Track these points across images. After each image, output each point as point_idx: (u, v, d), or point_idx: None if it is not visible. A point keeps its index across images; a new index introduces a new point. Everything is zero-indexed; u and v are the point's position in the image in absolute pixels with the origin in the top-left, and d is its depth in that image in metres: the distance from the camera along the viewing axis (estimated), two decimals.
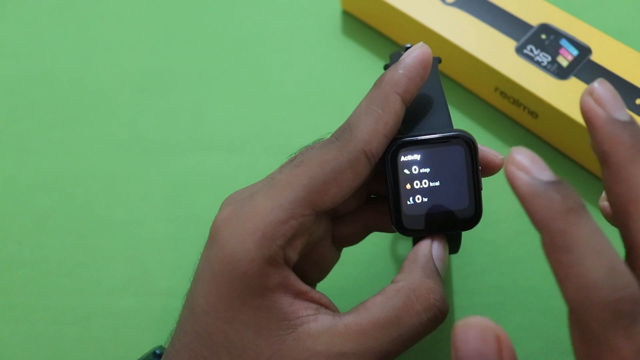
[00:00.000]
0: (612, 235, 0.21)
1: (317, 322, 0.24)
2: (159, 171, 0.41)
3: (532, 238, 0.37)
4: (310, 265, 0.28)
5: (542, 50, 0.39)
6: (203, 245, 0.26)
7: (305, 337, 0.23)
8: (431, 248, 0.26)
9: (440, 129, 0.26)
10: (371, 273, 0.36)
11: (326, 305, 0.25)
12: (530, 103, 0.38)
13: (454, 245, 0.28)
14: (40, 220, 0.39)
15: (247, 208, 0.24)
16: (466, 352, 0.19)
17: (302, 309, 0.24)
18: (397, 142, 0.26)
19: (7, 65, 0.46)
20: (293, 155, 0.26)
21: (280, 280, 0.24)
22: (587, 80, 0.37)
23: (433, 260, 0.26)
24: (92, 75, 0.45)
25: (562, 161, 0.39)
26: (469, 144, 0.26)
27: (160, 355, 0.30)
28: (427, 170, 0.26)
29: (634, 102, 0.36)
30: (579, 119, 0.36)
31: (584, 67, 0.38)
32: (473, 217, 0.26)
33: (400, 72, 0.26)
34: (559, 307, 0.35)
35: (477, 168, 0.26)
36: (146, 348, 0.32)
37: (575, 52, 0.39)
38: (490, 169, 0.27)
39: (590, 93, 0.22)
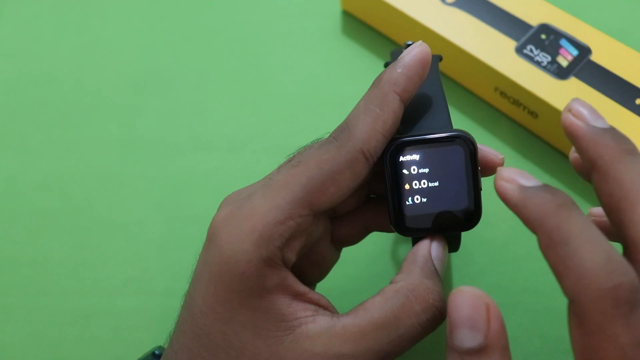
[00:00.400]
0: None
1: (315, 323, 0.24)
2: (159, 171, 0.41)
3: (532, 238, 0.36)
4: (310, 265, 0.28)
5: (542, 50, 0.39)
6: (202, 245, 0.26)
7: (303, 339, 0.23)
8: (430, 248, 0.26)
9: (440, 129, 0.26)
10: (371, 273, 0.36)
11: (325, 307, 0.25)
12: (530, 103, 0.38)
13: (453, 245, 0.28)
14: (40, 220, 0.39)
15: (245, 209, 0.24)
16: (458, 317, 0.21)
17: (300, 310, 0.24)
18: (396, 142, 0.26)
19: (7, 65, 0.46)
20: (291, 155, 0.26)
21: (279, 281, 0.24)
22: (587, 80, 0.38)
23: (432, 260, 0.26)
24: (92, 75, 0.45)
25: (562, 161, 0.39)
26: (469, 144, 0.26)
27: (159, 356, 0.30)
28: (427, 170, 0.26)
29: (634, 102, 0.36)
30: None
31: (584, 67, 0.38)
32: (473, 217, 0.26)
33: (399, 70, 0.25)
34: (559, 307, 0.35)
35: (476, 168, 0.26)
36: (146, 348, 0.32)
37: (575, 52, 0.39)
38: (490, 169, 0.27)
39: (568, 110, 0.24)
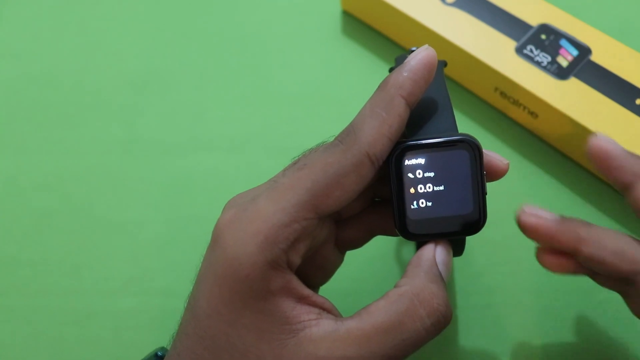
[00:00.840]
0: None
1: (319, 327, 0.24)
2: (159, 171, 0.41)
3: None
4: (314, 268, 0.28)
5: (542, 50, 0.39)
6: (203, 245, 0.26)
7: (307, 342, 0.23)
8: (435, 252, 0.26)
9: (445, 133, 0.26)
10: (373, 274, 0.36)
11: (329, 310, 0.25)
12: (530, 103, 0.38)
13: (457, 249, 0.28)
14: (40, 220, 0.39)
15: (250, 211, 0.24)
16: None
17: (304, 313, 0.24)
18: (402, 146, 0.26)
19: (7, 66, 0.46)
20: (296, 158, 0.26)
21: (283, 284, 0.24)
22: (587, 80, 0.38)
23: (437, 265, 0.26)
24: (92, 75, 0.45)
25: (562, 161, 0.39)
26: (474, 148, 0.25)
27: (161, 357, 0.30)
28: (432, 174, 0.26)
29: (634, 102, 0.36)
30: (579, 119, 0.36)
31: (584, 67, 0.38)
32: (477, 222, 0.26)
33: (405, 74, 0.25)
34: (559, 307, 0.35)
35: (482, 173, 0.26)
36: (146, 348, 0.32)
37: (575, 52, 0.39)
38: (495, 174, 0.27)
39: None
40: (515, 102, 0.39)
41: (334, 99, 0.43)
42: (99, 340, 0.35)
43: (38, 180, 0.41)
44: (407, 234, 0.26)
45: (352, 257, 0.32)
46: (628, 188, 0.26)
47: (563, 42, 0.39)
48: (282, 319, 0.23)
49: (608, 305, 0.34)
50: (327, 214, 0.25)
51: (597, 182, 0.38)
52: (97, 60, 0.46)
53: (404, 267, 0.37)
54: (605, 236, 0.26)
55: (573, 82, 0.38)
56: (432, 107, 0.27)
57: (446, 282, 0.26)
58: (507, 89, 0.39)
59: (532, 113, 0.39)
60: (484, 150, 0.26)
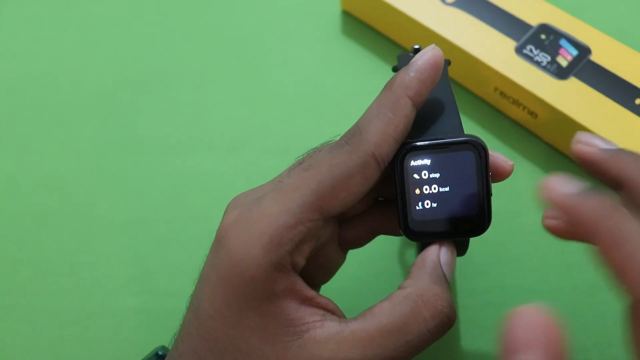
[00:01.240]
0: None
1: (323, 329, 0.23)
2: (159, 171, 0.41)
3: (532, 238, 0.37)
4: (316, 267, 0.28)
5: (542, 50, 0.39)
6: (203, 245, 0.26)
7: (311, 344, 0.23)
8: (439, 254, 0.26)
9: (451, 134, 0.26)
10: (376, 273, 0.36)
11: (332, 311, 0.25)
12: (530, 103, 0.38)
13: (461, 250, 0.28)
14: (40, 220, 0.39)
15: (255, 212, 0.24)
16: (518, 339, 0.20)
17: (309, 315, 0.24)
18: (407, 147, 0.25)
19: (7, 66, 0.46)
20: (301, 157, 0.26)
21: (287, 285, 0.24)
22: (587, 80, 0.38)
23: (441, 266, 0.26)
24: (92, 75, 0.45)
25: (562, 161, 0.39)
26: (480, 150, 0.25)
27: (162, 357, 0.30)
28: (437, 175, 0.26)
29: (634, 102, 0.36)
30: (579, 119, 0.36)
31: (584, 67, 0.38)
32: (483, 223, 0.26)
33: (412, 74, 0.25)
34: (559, 307, 0.35)
35: (487, 174, 0.26)
36: (146, 348, 0.32)
37: (574, 52, 0.39)
38: (500, 175, 0.27)
39: (577, 142, 0.25)
40: (515, 102, 0.39)
41: (333, 99, 0.43)
42: (99, 340, 0.35)
43: (38, 180, 0.41)
44: (411, 235, 0.26)
45: (355, 257, 0.32)
46: (622, 185, 0.24)
47: (563, 42, 0.39)
48: (286, 321, 0.23)
49: (608, 305, 0.34)
50: (333, 215, 0.25)
51: (597, 182, 0.38)
52: (97, 60, 0.46)
53: (406, 267, 0.37)
54: None
55: (573, 82, 0.38)
56: (437, 108, 0.27)
57: (450, 284, 0.26)
58: (507, 89, 0.39)
59: (532, 113, 0.39)
60: (489, 151, 0.26)
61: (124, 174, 0.41)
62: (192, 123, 0.42)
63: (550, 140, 0.40)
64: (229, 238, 0.24)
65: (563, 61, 0.38)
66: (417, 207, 0.26)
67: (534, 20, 0.40)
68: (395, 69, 0.31)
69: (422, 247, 0.27)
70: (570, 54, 0.39)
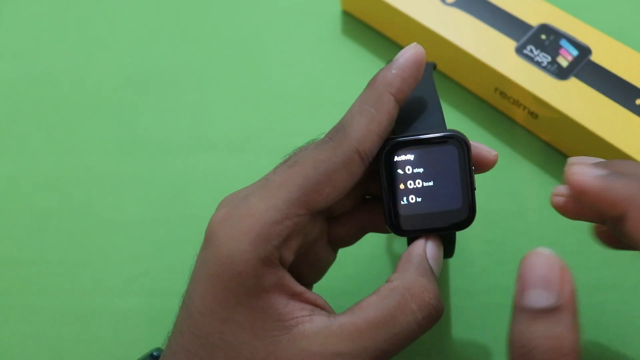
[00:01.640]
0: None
1: (312, 323, 0.24)
2: (159, 171, 0.41)
3: (532, 238, 0.37)
4: (307, 266, 0.28)
5: (542, 50, 0.39)
6: (201, 246, 0.26)
7: (300, 338, 0.23)
8: (425, 248, 0.26)
9: (434, 129, 0.26)
10: (370, 273, 0.36)
11: (322, 307, 0.25)
12: (530, 103, 0.38)
13: (448, 249, 0.28)
14: (40, 220, 0.39)
15: (242, 209, 0.24)
16: (532, 277, 0.21)
17: (297, 309, 0.24)
18: (391, 143, 0.26)
19: (7, 66, 0.46)
20: (287, 156, 0.26)
21: (276, 280, 0.24)
22: (587, 80, 0.38)
23: (427, 260, 0.26)
24: (92, 75, 0.45)
25: (562, 161, 0.39)
26: (462, 144, 0.26)
27: (157, 357, 0.30)
28: (421, 170, 0.26)
29: (634, 102, 0.36)
30: (579, 119, 0.36)
31: (584, 67, 0.38)
32: (467, 216, 0.26)
33: (394, 72, 0.26)
34: None
35: (470, 168, 0.26)
36: (146, 348, 0.32)
37: (575, 53, 0.39)
38: (484, 165, 0.27)
39: (571, 174, 0.24)
40: (515, 102, 0.39)
41: (334, 99, 0.43)
42: (99, 340, 0.35)
43: (38, 180, 0.41)
44: (397, 230, 0.26)
45: (348, 256, 0.32)
46: (620, 218, 0.23)
47: (563, 42, 0.39)
48: (275, 316, 0.24)
49: (608, 305, 0.34)
50: (319, 210, 0.25)
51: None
52: (97, 60, 0.46)
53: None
54: None
55: (573, 82, 0.38)
56: (420, 105, 0.28)
57: (437, 277, 0.26)
58: (507, 89, 0.39)
59: (532, 113, 0.39)
60: (472, 142, 0.26)
61: (124, 174, 0.41)
62: (193, 123, 0.42)
63: (550, 140, 0.40)
64: (217, 235, 0.24)
65: (563, 61, 0.38)
66: (402, 202, 0.26)
67: (534, 20, 0.40)
68: None
69: (410, 243, 0.27)
70: (570, 54, 0.39)
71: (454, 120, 0.41)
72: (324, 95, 0.43)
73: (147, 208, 0.39)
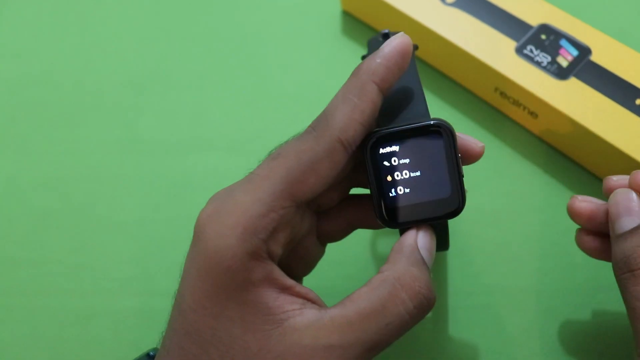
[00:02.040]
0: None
1: (302, 316, 0.24)
2: (159, 171, 0.41)
3: (532, 238, 0.37)
4: (296, 260, 0.28)
5: (542, 50, 0.39)
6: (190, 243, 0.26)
7: (291, 331, 0.23)
8: (417, 238, 0.26)
9: (417, 119, 0.26)
10: (367, 274, 0.36)
11: (313, 300, 0.25)
12: (530, 103, 0.38)
13: (442, 240, 0.28)
14: (40, 220, 0.39)
15: (228, 204, 0.24)
16: (621, 209, 0.27)
17: (288, 303, 0.24)
18: (375, 135, 0.26)
19: (7, 65, 0.46)
20: (273, 150, 0.26)
21: (265, 274, 0.24)
22: (587, 80, 0.38)
23: (419, 250, 0.26)
24: (92, 75, 0.45)
25: (562, 161, 0.39)
26: (447, 132, 0.26)
27: (153, 357, 0.30)
28: (407, 160, 0.26)
29: (634, 102, 0.36)
30: (579, 119, 0.36)
31: (584, 67, 0.38)
32: (457, 205, 0.26)
33: (378, 61, 0.26)
34: (559, 307, 0.35)
35: (456, 156, 0.26)
36: (145, 348, 0.32)
37: (575, 53, 0.39)
38: (471, 157, 0.27)
39: (573, 203, 0.30)
40: (515, 102, 0.39)
41: None
42: (99, 340, 0.35)
43: (38, 180, 0.41)
44: (387, 222, 0.26)
45: (345, 255, 0.32)
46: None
47: (563, 42, 0.39)
48: (265, 310, 0.24)
49: (608, 305, 0.34)
50: (304, 200, 0.25)
51: (598, 182, 0.38)
52: (97, 60, 0.46)
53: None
54: None
55: (573, 82, 0.38)
56: (404, 95, 0.28)
57: (430, 267, 0.26)
58: (507, 89, 0.39)
59: (532, 113, 0.39)
60: (458, 133, 0.26)
61: (124, 174, 0.41)
62: (193, 123, 0.42)
63: (550, 140, 0.40)
64: (205, 232, 0.24)
65: (563, 61, 0.38)
66: (391, 194, 0.26)
67: (534, 20, 0.40)
68: (364, 58, 0.31)
69: (402, 234, 0.27)
70: (570, 54, 0.39)
71: (454, 120, 0.41)
72: (324, 95, 0.43)
73: (147, 208, 0.39)
